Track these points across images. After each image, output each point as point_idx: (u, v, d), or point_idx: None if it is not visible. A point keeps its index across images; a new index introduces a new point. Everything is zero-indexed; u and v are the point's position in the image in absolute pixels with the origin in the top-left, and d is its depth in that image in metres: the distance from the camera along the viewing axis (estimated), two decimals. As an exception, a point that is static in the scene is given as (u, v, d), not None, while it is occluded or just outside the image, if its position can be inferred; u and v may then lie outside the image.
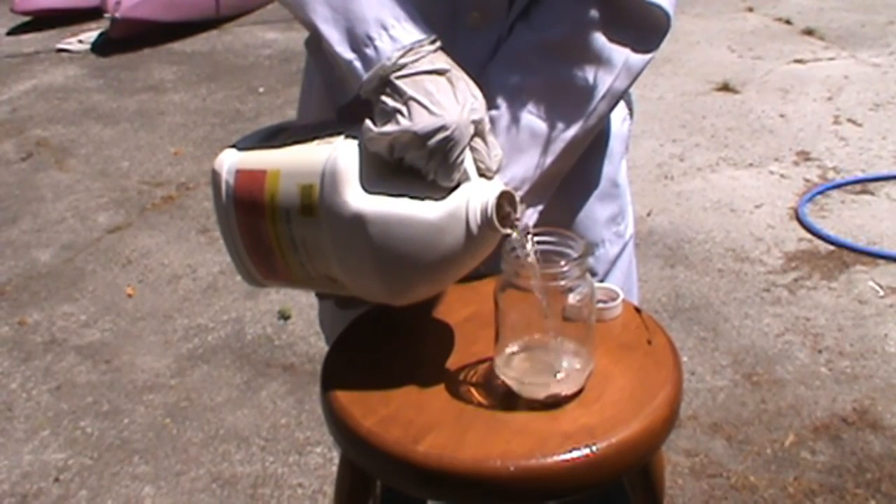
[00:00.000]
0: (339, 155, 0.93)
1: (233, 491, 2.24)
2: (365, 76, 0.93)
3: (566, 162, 1.14)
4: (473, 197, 0.92)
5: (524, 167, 1.08)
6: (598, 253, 1.30)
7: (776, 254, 3.14)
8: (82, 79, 5.23)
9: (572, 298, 0.93)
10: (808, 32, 5.46)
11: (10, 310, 3.03)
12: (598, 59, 1.09)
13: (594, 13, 1.08)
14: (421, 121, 0.89)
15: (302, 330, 2.85)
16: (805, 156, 3.86)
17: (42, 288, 3.16)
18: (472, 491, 0.91)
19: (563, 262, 0.93)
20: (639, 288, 1.48)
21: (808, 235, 3.25)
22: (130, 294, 3.10)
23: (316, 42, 1.01)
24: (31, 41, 6.04)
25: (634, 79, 1.14)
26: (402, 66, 0.92)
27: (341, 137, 0.95)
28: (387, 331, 1.10)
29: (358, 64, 0.94)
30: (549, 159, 1.09)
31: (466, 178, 0.93)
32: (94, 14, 6.14)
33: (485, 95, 0.96)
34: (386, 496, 1.16)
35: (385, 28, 0.93)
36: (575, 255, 0.94)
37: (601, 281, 1.30)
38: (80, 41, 5.92)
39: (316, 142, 0.97)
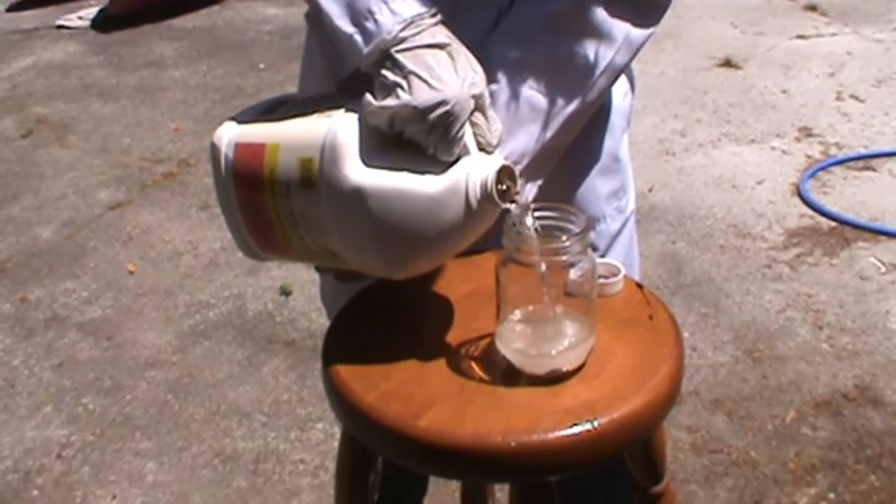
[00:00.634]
0: (339, 128, 0.92)
1: (235, 466, 2.25)
2: (365, 50, 0.93)
3: (566, 137, 1.13)
4: (473, 171, 0.92)
5: (524, 142, 1.08)
6: (599, 228, 1.29)
7: (778, 230, 3.14)
8: (82, 55, 5.21)
9: (573, 274, 0.93)
10: (811, 8, 5.43)
11: (12, 287, 3.03)
12: (599, 34, 1.09)
13: None
14: (421, 95, 0.89)
15: (303, 306, 2.85)
16: (807, 132, 3.85)
17: (43, 265, 3.16)
18: (472, 466, 0.91)
19: (564, 238, 0.92)
20: (640, 264, 1.48)
21: (810, 212, 3.24)
22: (132, 270, 3.10)
23: (316, 16, 1.01)
24: (30, 18, 6.01)
25: (635, 53, 1.13)
26: (403, 40, 0.91)
27: (341, 111, 0.94)
28: (388, 306, 1.10)
29: (358, 37, 0.93)
30: (548, 134, 1.09)
31: (466, 152, 0.93)
32: (93, -10, 6.13)
33: (485, 70, 0.95)
34: (387, 471, 1.16)
35: (385, 1, 0.92)
36: (576, 230, 0.93)
37: (602, 256, 1.30)
38: (80, 17, 5.90)
39: (316, 115, 0.96)
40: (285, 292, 2.91)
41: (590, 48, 1.09)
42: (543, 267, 0.91)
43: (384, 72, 0.91)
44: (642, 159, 3.60)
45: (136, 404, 2.47)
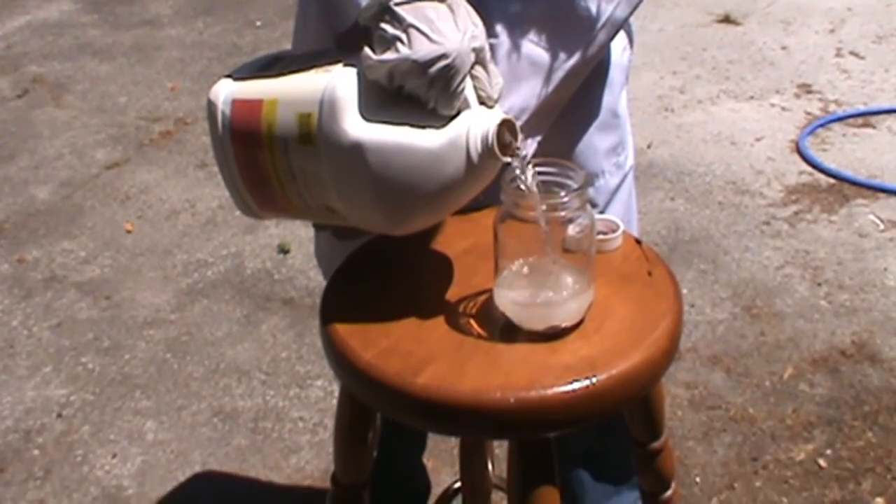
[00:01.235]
0: (338, 83, 0.91)
1: (234, 425, 2.25)
2: (364, 3, 0.91)
3: (565, 92, 1.12)
4: (474, 125, 0.91)
5: (524, 96, 1.07)
6: (597, 184, 1.29)
7: (776, 187, 3.13)
8: (77, 14, 5.17)
9: (572, 229, 0.93)
10: (811, -37, 5.39)
11: (10, 247, 3.03)
12: None
13: None
14: (421, 49, 0.88)
15: (301, 264, 2.85)
16: (806, 88, 3.83)
17: (41, 225, 3.15)
18: (471, 423, 0.91)
19: (562, 193, 0.92)
20: (638, 220, 1.48)
21: (809, 168, 3.23)
22: (129, 230, 3.09)
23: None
24: (24, -25, 5.96)
25: (635, 8, 1.12)
26: None
27: (339, 65, 0.94)
28: (386, 263, 1.09)
29: None
30: (549, 89, 1.08)
31: (467, 106, 0.92)
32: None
33: (485, 23, 0.94)
34: (386, 428, 1.17)
35: None
36: (575, 185, 0.93)
37: (601, 212, 1.30)
38: (74, -25, 5.85)
39: (314, 70, 0.95)
40: (283, 250, 2.91)
41: (591, 2, 1.08)
42: (544, 223, 0.91)
43: (383, 25, 0.90)
44: (641, 116, 3.58)
45: (135, 363, 2.47)
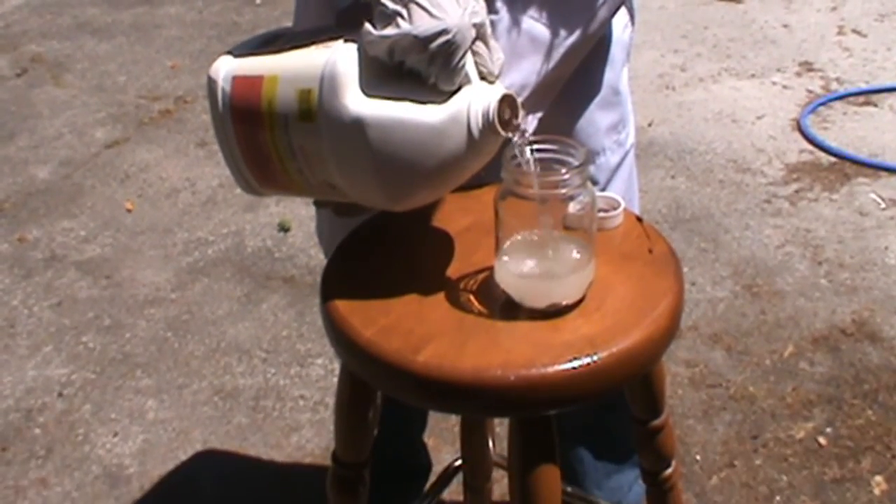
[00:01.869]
0: (339, 58, 0.91)
1: (235, 403, 2.26)
2: None
3: (566, 68, 1.12)
4: (475, 100, 0.91)
5: (524, 73, 1.07)
6: (599, 161, 1.29)
7: (777, 165, 3.12)
8: (76, -8, 5.16)
9: (573, 207, 0.92)
10: (813, -60, 5.36)
11: (10, 227, 3.03)
12: None
13: None
14: (422, 24, 0.87)
15: (302, 242, 2.85)
16: (808, 66, 3.82)
17: (41, 204, 3.14)
18: (472, 401, 0.91)
19: (563, 170, 0.92)
20: (639, 198, 1.48)
21: (810, 147, 3.23)
22: (129, 209, 3.09)
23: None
24: (22, -47, 5.94)
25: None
26: None
27: (340, 41, 0.93)
28: (386, 241, 1.09)
29: None
30: (550, 66, 1.08)
31: (468, 81, 0.92)
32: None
33: None
34: (387, 406, 1.17)
35: None
36: (576, 162, 0.93)
37: (602, 190, 1.30)
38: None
39: (314, 46, 0.95)
40: (284, 228, 2.91)
41: None
42: (543, 200, 0.91)
43: (384, 0, 0.89)
44: (642, 94, 3.57)
45: (135, 342, 2.47)
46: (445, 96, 0.91)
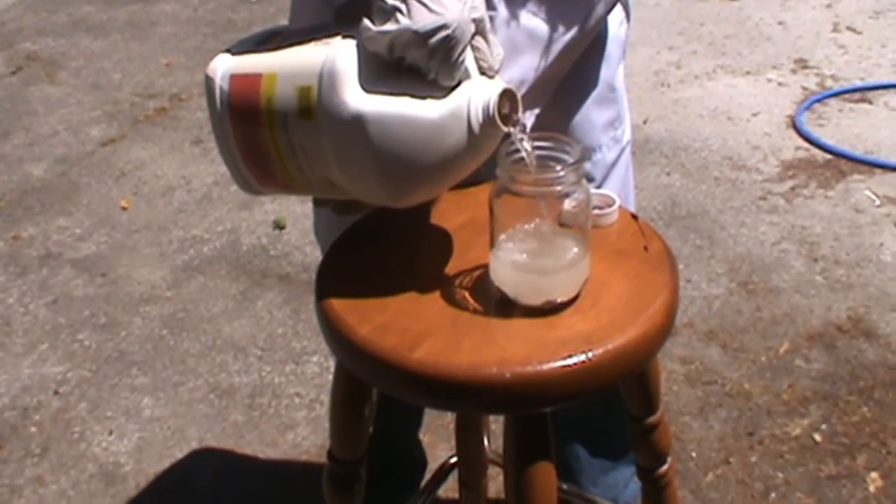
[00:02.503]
0: (338, 55, 0.91)
1: (230, 401, 2.26)
2: None
3: (563, 65, 1.12)
4: (475, 95, 0.91)
5: (522, 69, 1.07)
6: (595, 158, 1.29)
7: (773, 162, 3.13)
8: (71, -11, 5.15)
9: (568, 204, 0.92)
10: (809, -63, 5.36)
11: (5, 225, 3.02)
12: None
13: None
14: (421, 19, 0.87)
15: (297, 240, 2.84)
16: (803, 64, 3.82)
17: (36, 202, 3.14)
18: (467, 398, 0.91)
19: (558, 167, 0.92)
20: (635, 195, 1.48)
21: (806, 144, 3.22)
22: (125, 207, 3.08)
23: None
24: (17, -49, 5.93)
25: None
26: None
27: (339, 38, 0.93)
28: (381, 238, 1.09)
29: None
30: (547, 61, 1.08)
31: (467, 76, 0.91)
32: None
33: None
34: (382, 404, 1.17)
35: None
36: (571, 159, 0.92)
37: (599, 187, 1.30)
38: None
39: (312, 43, 0.95)
40: (279, 226, 2.90)
41: None
42: (538, 197, 0.91)
43: None
44: (637, 91, 3.57)
45: (131, 340, 2.47)
46: (445, 92, 0.91)
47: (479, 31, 0.91)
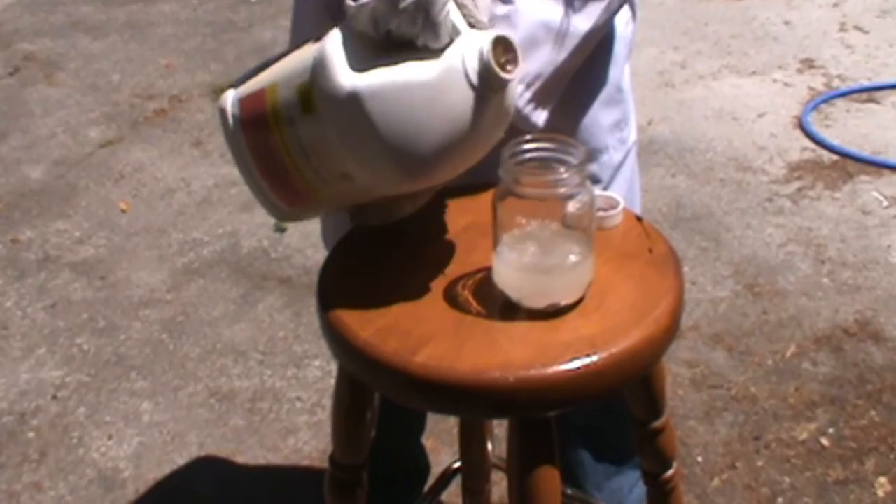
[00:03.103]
0: (326, 43, 0.92)
1: (231, 405, 2.24)
2: None
3: (576, 60, 1.13)
4: (468, 48, 0.91)
5: (540, 63, 1.08)
6: (602, 159, 1.29)
7: (779, 163, 3.11)
8: (71, -9, 5.14)
9: (572, 206, 0.92)
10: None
11: (3, 228, 3.01)
12: None
13: None
14: None
15: (298, 242, 2.83)
16: (809, 63, 3.81)
17: (34, 205, 3.13)
18: (470, 402, 0.91)
19: (562, 169, 0.91)
20: (641, 197, 1.47)
21: (812, 145, 3.21)
22: (124, 209, 3.07)
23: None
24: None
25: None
26: None
27: (328, 32, 0.94)
28: (384, 241, 1.09)
29: None
30: (562, 55, 1.09)
31: (457, 33, 0.91)
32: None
33: None
34: (384, 408, 1.16)
35: None
36: (575, 161, 0.92)
37: (605, 188, 1.30)
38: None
39: (306, 46, 0.97)
40: (280, 229, 2.89)
41: None
42: (541, 200, 0.90)
43: None
44: (642, 92, 3.55)
45: (130, 344, 2.46)
46: (438, 54, 0.91)
47: None
